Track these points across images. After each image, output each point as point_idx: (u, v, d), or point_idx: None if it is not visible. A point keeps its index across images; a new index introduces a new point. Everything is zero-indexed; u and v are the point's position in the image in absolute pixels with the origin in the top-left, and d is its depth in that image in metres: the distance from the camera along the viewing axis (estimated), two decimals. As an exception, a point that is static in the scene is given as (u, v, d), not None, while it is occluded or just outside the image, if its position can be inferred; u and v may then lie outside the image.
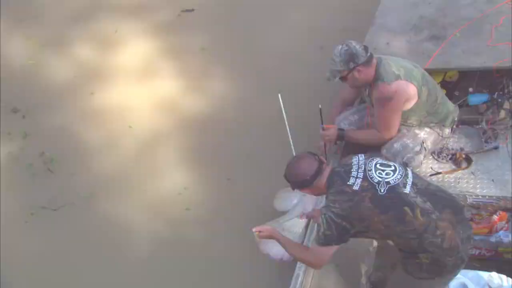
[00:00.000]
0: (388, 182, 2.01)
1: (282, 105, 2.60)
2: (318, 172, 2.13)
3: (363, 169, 2.06)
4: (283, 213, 3.05)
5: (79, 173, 4.00)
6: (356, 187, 2.02)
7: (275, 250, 2.81)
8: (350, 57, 2.50)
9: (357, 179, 2.04)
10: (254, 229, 2.32)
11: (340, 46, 2.54)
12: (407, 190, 2.01)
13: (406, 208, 1.97)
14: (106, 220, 3.69)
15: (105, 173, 3.99)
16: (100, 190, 3.86)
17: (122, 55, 4.80)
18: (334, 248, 2.10)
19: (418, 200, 1.99)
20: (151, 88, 4.52)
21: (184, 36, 4.89)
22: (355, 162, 2.11)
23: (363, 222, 2.03)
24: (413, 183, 2.04)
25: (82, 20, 5.14)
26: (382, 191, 1.99)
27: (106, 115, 4.37)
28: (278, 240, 2.31)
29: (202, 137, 4.10)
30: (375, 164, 2.07)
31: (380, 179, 2.02)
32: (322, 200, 2.72)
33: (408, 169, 2.14)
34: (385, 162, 2.11)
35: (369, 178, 2.03)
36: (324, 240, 2.08)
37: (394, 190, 2.00)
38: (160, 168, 3.96)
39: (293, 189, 2.25)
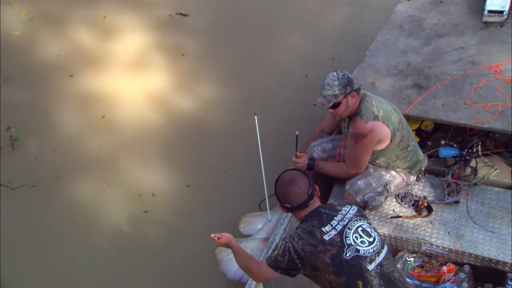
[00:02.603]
0: (357, 250, 1.98)
1: (257, 125, 2.61)
2: (305, 204, 2.09)
3: (345, 223, 2.04)
4: (247, 236, 3.05)
5: (44, 155, 3.91)
6: (326, 237, 2.00)
7: (234, 270, 2.81)
8: (348, 82, 2.54)
9: (332, 230, 2.01)
10: (212, 235, 2.31)
11: (336, 73, 2.57)
12: (371, 267, 1.97)
13: (359, 282, 1.94)
14: (65, 207, 3.60)
15: (72, 159, 3.91)
16: (64, 175, 3.78)
17: (108, 43, 4.79)
18: (276, 275, 2.09)
19: (375, 281, 1.95)
20: (131, 81, 4.51)
21: (171, 38, 4.90)
22: (343, 212, 2.08)
23: (315, 270, 2.01)
24: (380, 264, 2.00)
25: (78, 1, 5.10)
26: (347, 255, 1.97)
27: (82, 101, 4.32)
28: (232, 247, 2.30)
29: (174, 139, 4.09)
30: (358, 227, 2.04)
31: (353, 244, 1.99)
32: (278, 231, 2.75)
33: (385, 247, 2.07)
34: (369, 231, 2.06)
35: (344, 236, 2.00)
36: (273, 263, 2.08)
37: (358, 260, 1.97)
38: (126, 164, 3.90)
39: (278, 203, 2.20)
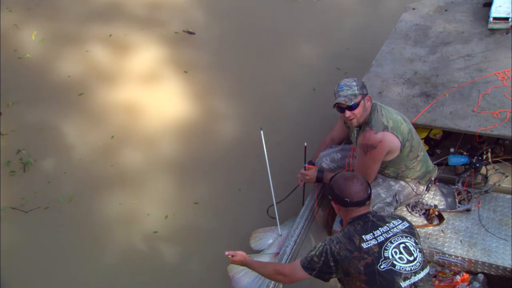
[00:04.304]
0: (393, 265, 1.97)
1: (263, 140, 2.63)
2: (364, 202, 2.10)
3: (388, 236, 2.03)
4: (258, 252, 3.06)
5: (56, 177, 3.93)
6: (364, 245, 2.00)
7: (247, 286, 2.81)
8: (363, 85, 2.56)
9: (373, 240, 2.01)
10: (226, 253, 2.32)
11: (347, 79, 2.58)
12: (404, 284, 1.94)
13: None
14: (78, 228, 3.61)
15: (84, 180, 3.92)
16: (77, 196, 3.79)
17: (117, 62, 4.84)
18: (309, 277, 2.10)
19: None
20: (139, 99, 4.54)
21: (178, 55, 4.95)
22: (390, 225, 2.07)
23: (347, 276, 2.02)
24: (415, 284, 1.96)
25: (87, 21, 5.19)
26: (382, 267, 1.96)
27: (91, 121, 4.35)
28: (250, 265, 2.31)
29: (184, 156, 4.10)
30: (401, 243, 2.02)
31: (390, 258, 1.98)
32: (289, 243, 2.75)
33: (425, 270, 2.03)
34: (412, 250, 2.02)
35: (383, 248, 1.99)
36: (307, 264, 2.09)
37: (392, 274, 1.95)
38: (137, 184, 3.92)
39: (326, 193, 2.22)
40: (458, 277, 2.66)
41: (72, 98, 4.49)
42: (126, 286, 3.29)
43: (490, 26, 3.65)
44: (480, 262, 2.63)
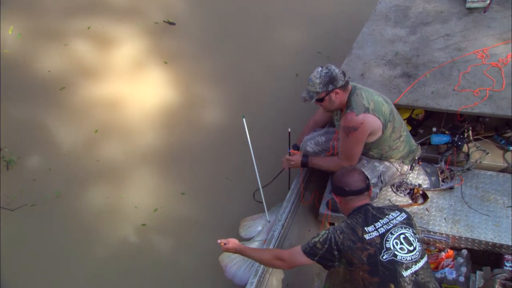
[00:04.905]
0: (395, 255, 2.02)
1: (245, 127, 2.63)
2: (362, 191, 2.17)
3: (388, 227, 2.08)
4: (248, 239, 3.06)
5: (41, 173, 3.89)
6: (367, 236, 2.05)
7: (240, 274, 2.83)
8: (330, 80, 2.55)
9: (374, 231, 2.06)
10: (219, 241, 2.33)
11: (320, 68, 2.59)
12: (406, 273, 2.00)
13: (392, 285, 1.98)
14: (66, 223, 3.59)
15: (69, 175, 3.88)
16: (63, 192, 3.76)
17: (98, 54, 4.77)
18: (309, 262, 2.13)
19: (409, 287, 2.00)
20: (121, 92, 4.49)
21: (159, 45, 4.89)
22: (389, 217, 2.12)
23: (350, 266, 2.06)
24: (416, 272, 2.02)
25: (64, 14, 5.09)
26: (384, 257, 2.01)
27: (74, 115, 4.29)
28: (244, 252, 2.33)
29: (168, 147, 4.08)
30: (401, 234, 2.07)
31: (391, 248, 2.03)
32: (277, 228, 2.78)
33: (424, 258, 2.09)
34: (411, 240, 2.08)
35: (385, 239, 2.04)
36: (310, 250, 2.13)
37: (394, 264, 2.00)
38: (123, 177, 3.89)
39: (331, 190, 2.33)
40: (443, 254, 2.72)
41: (54, 93, 4.42)
42: (117, 279, 3.29)
43: (468, 5, 3.68)
44: (463, 238, 2.68)
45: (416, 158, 2.93)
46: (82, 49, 4.80)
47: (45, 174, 3.90)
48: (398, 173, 2.89)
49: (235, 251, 2.36)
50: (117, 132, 4.19)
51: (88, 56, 4.76)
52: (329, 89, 2.57)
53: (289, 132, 2.80)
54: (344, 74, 2.61)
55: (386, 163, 2.84)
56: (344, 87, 2.60)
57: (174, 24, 5.03)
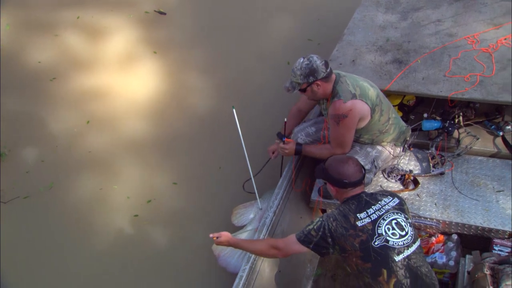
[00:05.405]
0: (387, 240, 2.04)
1: (236, 118, 2.63)
2: (360, 181, 2.18)
3: (380, 213, 2.10)
4: (241, 227, 3.08)
5: (34, 165, 3.87)
6: (359, 223, 2.06)
7: (233, 263, 2.85)
8: (310, 72, 2.54)
9: (367, 218, 2.08)
10: (211, 235, 2.34)
11: (302, 59, 2.58)
12: (398, 258, 2.02)
13: (384, 270, 2.00)
14: (60, 214, 3.58)
15: (62, 167, 3.87)
16: (56, 184, 3.75)
17: (88, 44, 4.73)
18: (304, 250, 2.15)
19: (401, 272, 2.01)
20: (111, 82, 4.47)
21: (150, 35, 4.85)
22: (381, 203, 2.14)
23: (344, 252, 2.09)
24: (408, 257, 2.05)
25: (54, 4, 5.05)
26: (376, 243, 2.03)
27: (65, 106, 4.26)
28: (237, 244, 2.34)
29: (159, 137, 4.06)
30: (393, 219, 2.09)
31: (383, 234, 2.05)
32: (269, 215, 2.79)
33: (416, 243, 2.11)
34: (403, 225, 2.10)
35: (377, 225, 2.06)
36: (304, 237, 2.14)
37: (386, 250, 2.03)
38: (116, 168, 3.88)
39: (318, 177, 2.34)
40: (433, 239, 2.75)
41: (44, 84, 4.39)
42: (110, 269, 3.29)
43: (459, -11, 3.66)
44: (454, 223, 2.71)
45: (408, 139, 2.95)
46: (72, 39, 4.77)
47: (38, 166, 3.89)
48: (391, 156, 2.91)
49: (228, 244, 2.37)
50: (109, 123, 4.17)
51: (78, 47, 4.72)
52: (310, 81, 2.57)
53: (285, 122, 2.81)
54: (327, 65, 2.58)
55: (379, 147, 2.85)
56: (326, 78, 2.58)
57: (164, 14, 4.99)
